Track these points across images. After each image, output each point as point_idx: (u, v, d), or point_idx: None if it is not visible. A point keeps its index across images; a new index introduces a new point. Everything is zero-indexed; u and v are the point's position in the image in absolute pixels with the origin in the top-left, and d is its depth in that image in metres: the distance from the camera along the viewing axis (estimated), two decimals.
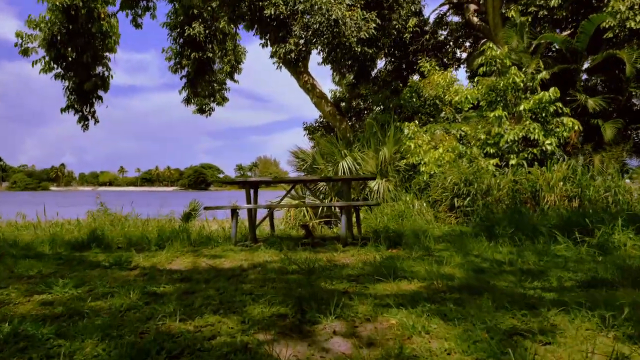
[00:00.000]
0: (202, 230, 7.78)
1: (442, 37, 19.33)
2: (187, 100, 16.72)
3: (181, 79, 16.04)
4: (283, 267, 4.47)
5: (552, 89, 11.68)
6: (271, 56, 15.59)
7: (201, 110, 18.79)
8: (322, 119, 20.83)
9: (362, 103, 20.89)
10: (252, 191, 6.94)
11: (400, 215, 10.53)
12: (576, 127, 11.65)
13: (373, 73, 19.07)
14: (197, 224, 9.77)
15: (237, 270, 4.40)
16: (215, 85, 18.82)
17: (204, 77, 15.76)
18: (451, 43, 19.62)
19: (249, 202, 6.72)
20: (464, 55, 21.03)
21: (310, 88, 14.50)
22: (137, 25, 14.44)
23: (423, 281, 3.68)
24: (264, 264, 4.74)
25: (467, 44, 20.82)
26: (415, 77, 17.32)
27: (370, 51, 13.31)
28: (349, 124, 15.81)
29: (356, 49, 12.77)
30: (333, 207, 12.47)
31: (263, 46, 15.72)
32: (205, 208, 6.56)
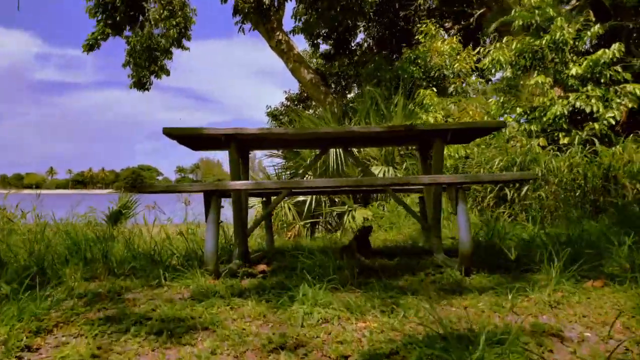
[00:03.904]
0: (139, 240, 4.08)
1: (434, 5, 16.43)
2: (89, 47, 11.86)
3: (98, 22, 11.63)
4: None
5: (615, 45, 8.84)
6: (234, 12, 12.03)
7: (139, 84, 14.81)
8: (288, 102, 17.35)
9: (334, 85, 17.50)
10: (240, 160, 3.45)
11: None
12: None
13: (352, 46, 15.88)
14: (130, 230, 6.03)
15: None
16: (157, 54, 14.95)
17: (132, 16, 11.60)
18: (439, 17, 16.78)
19: (236, 177, 3.21)
20: (446, 36, 18.37)
21: (285, 49, 11.05)
22: None
23: None
24: None
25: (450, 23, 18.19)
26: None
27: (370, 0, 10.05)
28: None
29: None
30: (361, 195, 9.11)
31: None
32: (139, 189, 2.86)
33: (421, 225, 4.02)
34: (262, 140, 3.43)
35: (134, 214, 6.74)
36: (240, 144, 3.26)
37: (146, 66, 14.56)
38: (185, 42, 14.97)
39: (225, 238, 3.73)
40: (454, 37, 12.22)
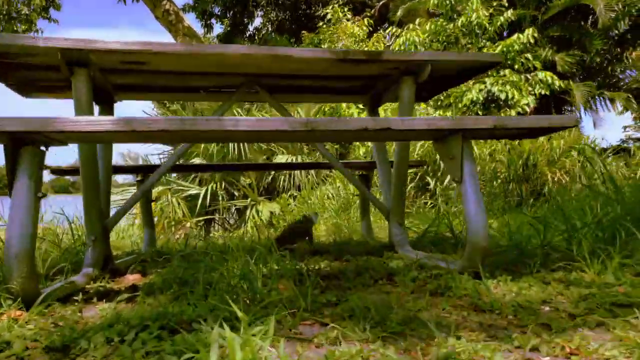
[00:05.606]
0: None
1: None
2: None
3: None
4: None
5: (529, 30, 8.63)
6: None
7: None
8: None
9: None
10: (100, 108, 2.10)
11: (345, 207, 6.72)
12: (557, 84, 8.77)
13: (250, 30, 14.62)
14: None
15: None
16: (20, 24, 12.59)
17: None
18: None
19: (80, 112, 1.81)
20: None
21: (173, 21, 9.50)
22: None
23: None
24: None
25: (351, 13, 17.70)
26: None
27: None
28: None
29: None
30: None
31: None
32: None
33: (371, 209, 2.93)
34: (136, 72, 2.08)
35: None
36: (96, 75, 1.90)
37: None
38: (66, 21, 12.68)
39: (76, 234, 2.32)
40: (366, 19, 11.51)
